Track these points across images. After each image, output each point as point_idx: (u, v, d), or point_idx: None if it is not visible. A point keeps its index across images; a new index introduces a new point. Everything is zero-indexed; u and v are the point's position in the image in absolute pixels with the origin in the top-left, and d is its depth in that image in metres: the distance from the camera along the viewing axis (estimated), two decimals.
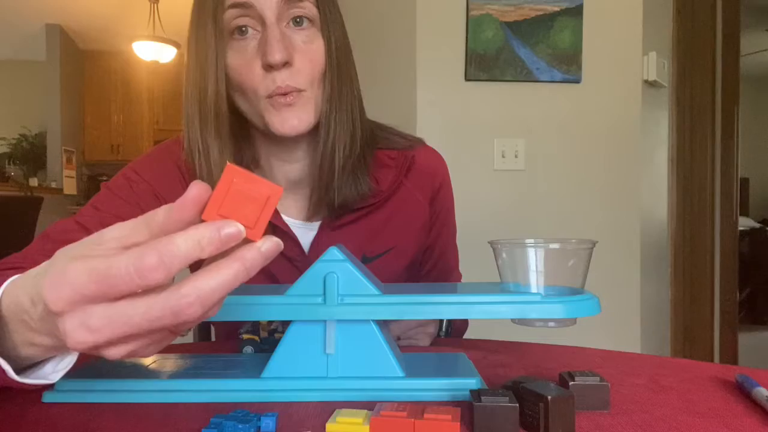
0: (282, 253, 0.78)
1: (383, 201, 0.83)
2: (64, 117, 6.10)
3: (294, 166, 0.80)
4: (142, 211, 0.73)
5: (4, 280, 0.42)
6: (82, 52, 6.55)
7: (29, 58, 6.50)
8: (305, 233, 0.81)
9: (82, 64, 6.56)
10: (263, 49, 0.69)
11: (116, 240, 0.36)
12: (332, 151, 0.76)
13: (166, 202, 0.75)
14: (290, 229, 0.79)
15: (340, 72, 0.75)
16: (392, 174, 0.84)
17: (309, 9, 0.72)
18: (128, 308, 0.34)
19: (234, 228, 0.35)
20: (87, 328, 0.34)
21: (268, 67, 0.69)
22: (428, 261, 0.92)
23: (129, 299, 0.35)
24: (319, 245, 0.80)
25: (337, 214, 0.80)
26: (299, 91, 0.71)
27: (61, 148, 6.04)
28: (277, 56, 0.68)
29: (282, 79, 0.70)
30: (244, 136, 0.80)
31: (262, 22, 0.70)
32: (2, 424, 0.50)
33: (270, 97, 0.71)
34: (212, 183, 0.72)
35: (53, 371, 0.45)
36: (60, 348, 0.41)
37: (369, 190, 0.79)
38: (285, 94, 0.71)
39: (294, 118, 0.72)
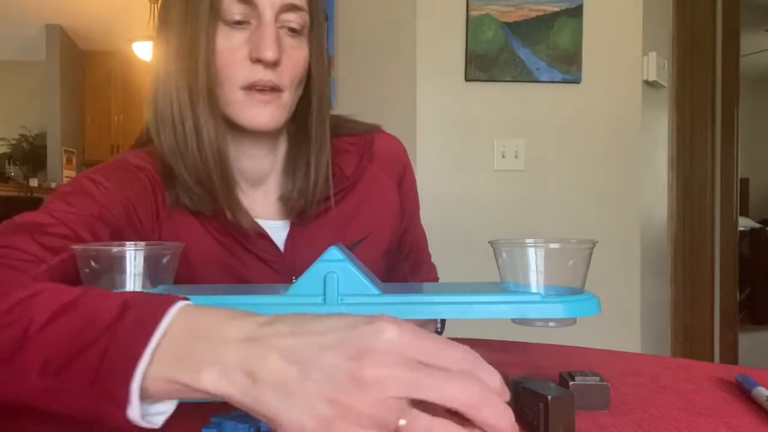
0: (256, 255, 0.78)
1: (350, 187, 0.84)
2: (64, 117, 6.09)
3: (259, 161, 0.81)
4: (110, 214, 0.73)
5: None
6: (82, 52, 6.55)
7: (29, 59, 6.48)
8: (277, 232, 0.80)
9: (82, 64, 6.56)
10: (256, 43, 0.71)
11: None
12: (311, 153, 0.79)
13: (135, 209, 0.74)
14: (263, 230, 0.78)
15: (321, 79, 0.80)
16: (354, 159, 0.86)
17: (304, 18, 0.75)
18: None
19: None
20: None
21: (257, 61, 0.71)
22: (405, 245, 0.94)
23: None
24: (294, 243, 0.80)
25: (308, 209, 0.80)
26: (279, 91, 0.73)
27: (61, 149, 6.04)
28: (270, 54, 0.70)
29: (265, 74, 0.72)
30: None
31: (259, 18, 0.71)
32: (3, 424, 0.50)
33: (246, 89, 0.72)
34: (203, 163, 0.73)
35: (150, 413, 0.41)
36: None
37: (329, 179, 0.81)
38: (263, 91, 0.73)
39: (267, 115, 0.73)
